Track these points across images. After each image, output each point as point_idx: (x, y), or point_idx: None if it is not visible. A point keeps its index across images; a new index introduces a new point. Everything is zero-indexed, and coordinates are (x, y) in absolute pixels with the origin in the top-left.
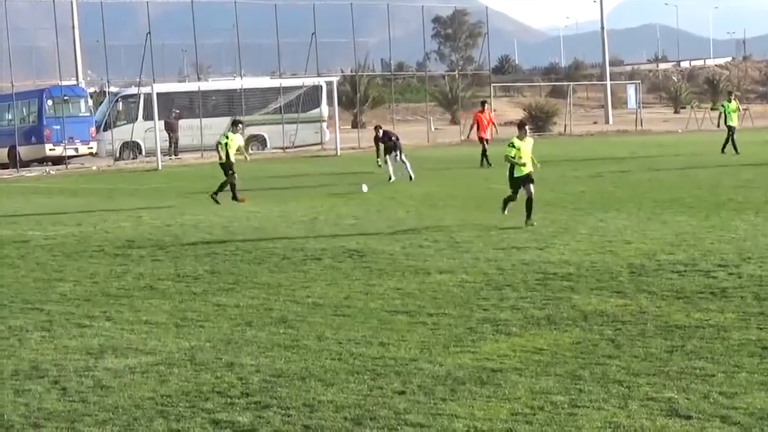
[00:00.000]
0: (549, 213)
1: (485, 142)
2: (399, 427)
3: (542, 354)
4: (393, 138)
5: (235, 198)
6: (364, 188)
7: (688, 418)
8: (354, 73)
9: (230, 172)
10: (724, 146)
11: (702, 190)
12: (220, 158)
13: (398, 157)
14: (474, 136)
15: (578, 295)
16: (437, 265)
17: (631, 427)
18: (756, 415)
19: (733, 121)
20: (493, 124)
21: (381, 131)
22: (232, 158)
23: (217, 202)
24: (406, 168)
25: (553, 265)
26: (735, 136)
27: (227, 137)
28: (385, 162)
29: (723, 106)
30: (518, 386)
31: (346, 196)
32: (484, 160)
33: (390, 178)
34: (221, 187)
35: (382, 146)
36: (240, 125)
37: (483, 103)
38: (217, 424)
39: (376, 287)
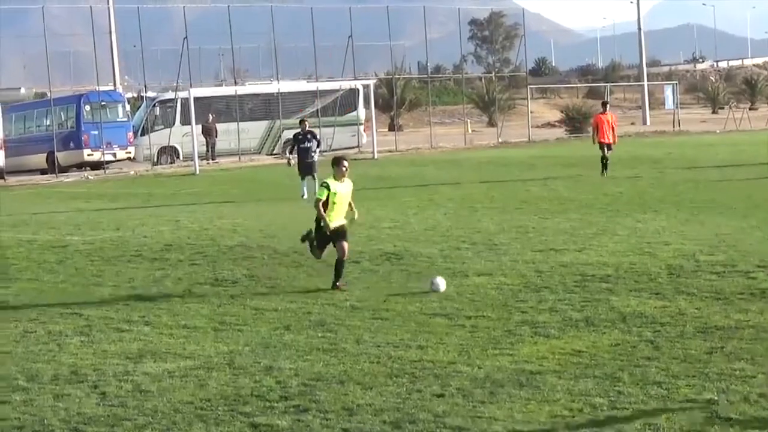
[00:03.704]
0: (587, 215)
1: (609, 148)
2: (438, 431)
3: (581, 356)
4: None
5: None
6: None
7: (728, 420)
8: (390, 76)
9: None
10: None
11: (740, 191)
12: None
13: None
14: (602, 139)
15: (617, 297)
16: (475, 267)
17: (670, 429)
18: None
19: None
20: (612, 128)
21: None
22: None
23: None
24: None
25: (592, 266)
26: None
27: (325, 187)
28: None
29: None
30: (557, 389)
31: (384, 198)
32: (605, 168)
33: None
34: (311, 243)
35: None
36: (344, 164)
37: (604, 104)
38: (256, 427)
39: (414, 290)
